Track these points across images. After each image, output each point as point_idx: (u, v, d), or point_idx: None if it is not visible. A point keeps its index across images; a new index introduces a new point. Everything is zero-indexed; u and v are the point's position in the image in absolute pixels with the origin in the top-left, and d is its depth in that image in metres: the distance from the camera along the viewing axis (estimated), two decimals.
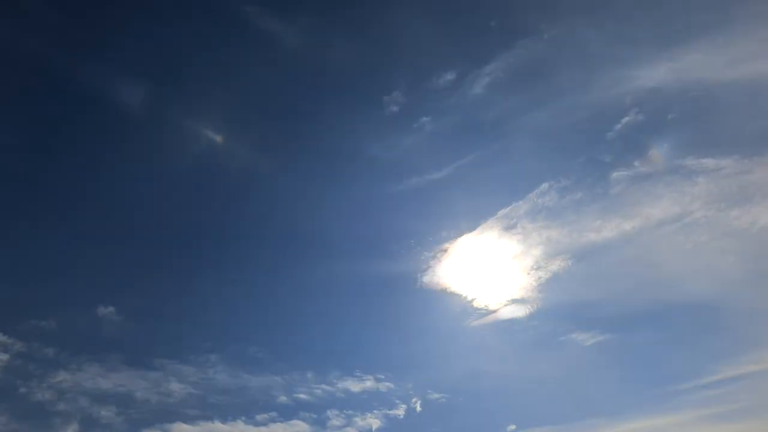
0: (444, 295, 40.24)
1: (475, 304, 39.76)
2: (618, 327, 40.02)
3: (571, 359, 39.68)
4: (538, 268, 39.81)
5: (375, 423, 35.39)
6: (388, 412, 36.28)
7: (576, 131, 40.61)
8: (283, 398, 35.60)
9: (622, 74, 39.10)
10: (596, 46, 39.64)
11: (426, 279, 39.91)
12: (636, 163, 39.34)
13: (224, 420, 33.78)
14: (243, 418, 34.15)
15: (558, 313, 40.50)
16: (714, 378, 36.98)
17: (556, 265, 39.75)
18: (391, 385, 37.53)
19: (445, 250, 39.81)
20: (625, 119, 38.94)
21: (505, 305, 39.76)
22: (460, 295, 40.00)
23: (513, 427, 36.11)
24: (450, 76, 39.80)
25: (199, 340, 37.15)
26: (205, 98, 38.74)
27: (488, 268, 40.11)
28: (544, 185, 39.70)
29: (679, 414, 36.10)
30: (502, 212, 39.81)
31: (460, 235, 40.08)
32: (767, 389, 35.27)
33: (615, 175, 39.38)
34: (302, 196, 41.35)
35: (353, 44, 40.17)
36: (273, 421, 34.47)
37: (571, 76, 40.45)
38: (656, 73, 38.53)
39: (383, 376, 37.71)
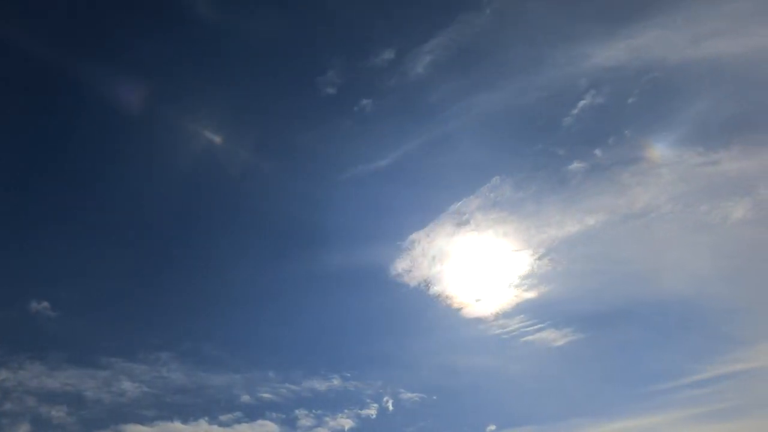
0: (409, 291, 38.84)
1: (443, 301, 38.54)
2: (593, 325, 38.56)
3: (545, 358, 38.41)
4: (502, 265, 38.47)
5: (347, 423, 34.75)
6: (359, 411, 35.37)
7: (530, 116, 38.03)
8: (246, 398, 34.63)
9: (576, 52, 36.25)
10: (546, 21, 36.88)
11: (389, 274, 38.67)
12: (596, 152, 37.16)
13: (185, 420, 32.79)
14: (206, 418, 33.22)
15: (529, 310, 38.65)
16: (697, 377, 35.97)
17: (520, 261, 38.37)
18: (360, 384, 36.41)
19: (404, 244, 38.37)
20: (582, 103, 36.44)
21: (475, 302, 38.53)
22: (426, 292, 38.76)
23: (492, 427, 35.28)
24: (388, 54, 37.04)
25: (146, 337, 35.45)
26: None
27: (452, 264, 38.86)
28: (498, 177, 37.69)
29: (663, 414, 35.23)
30: (454, 206, 38.01)
31: (416, 228, 38.44)
32: (751, 388, 34.48)
33: (574, 165, 37.26)
34: (251, 188, 39.24)
35: (280, 19, 37.11)
36: (238, 421, 33.61)
37: (519, 53, 37.55)
38: (613, 51, 35.77)
39: (350, 375, 36.61)
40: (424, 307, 39.20)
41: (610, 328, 38.79)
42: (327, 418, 34.58)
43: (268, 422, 33.77)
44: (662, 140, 36.22)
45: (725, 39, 33.57)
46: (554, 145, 37.85)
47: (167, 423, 32.27)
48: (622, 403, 36.57)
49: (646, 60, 35.38)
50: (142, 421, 32.07)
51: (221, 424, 33.15)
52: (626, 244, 38.13)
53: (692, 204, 36.53)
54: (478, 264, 38.44)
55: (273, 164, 39.07)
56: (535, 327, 38.05)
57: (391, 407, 35.64)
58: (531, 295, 38.20)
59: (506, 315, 38.05)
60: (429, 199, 39.19)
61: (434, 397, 36.68)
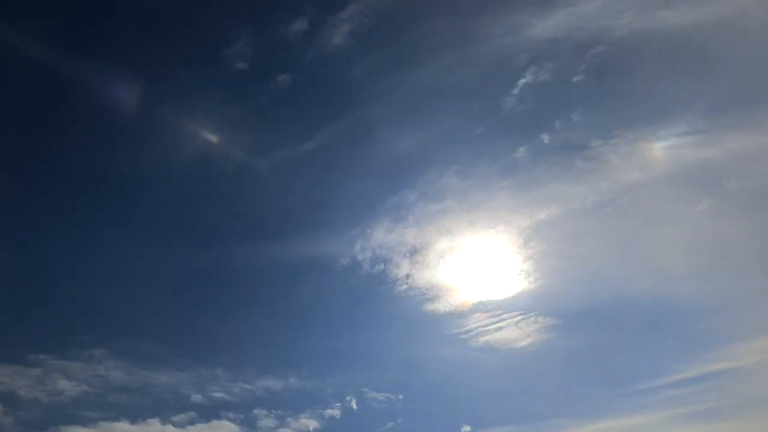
0: (362, 285, 37.15)
1: (402, 296, 36.80)
2: (563, 325, 36.59)
3: (512, 357, 36.56)
4: (459, 260, 36.31)
5: (311, 424, 33.82)
6: (322, 412, 34.32)
7: (465, 95, 34.74)
8: (197, 397, 33.52)
9: (511, 21, 32.83)
10: None
11: (336, 268, 36.69)
12: (543, 137, 34.14)
13: (133, 421, 31.76)
14: (157, 418, 32.22)
15: (495, 306, 36.59)
16: (677, 377, 34.49)
17: (476, 256, 36.17)
18: (320, 383, 35.31)
19: (351, 235, 36.34)
20: (522, 81, 33.24)
21: (439, 297, 36.65)
22: (382, 286, 36.92)
23: (467, 428, 34.11)
24: (300, 24, 33.50)
25: (76, 333, 33.54)
26: None
27: (407, 258, 36.47)
28: (438, 165, 35.07)
29: (645, 414, 33.99)
30: (395, 196, 35.92)
31: (361, 219, 36.36)
32: (733, 389, 33.12)
33: (521, 152, 34.50)
34: (169, 177, 35.87)
35: None
36: (193, 421, 32.58)
37: (448, 22, 33.91)
38: (552, 20, 32.34)
39: (307, 373, 35.45)
40: (381, 302, 37.41)
41: (581, 328, 37.10)
42: (289, 419, 33.75)
43: (226, 422, 32.94)
44: (615, 124, 33.39)
45: (680, 8, 30.61)
46: (496, 129, 34.86)
47: (113, 423, 31.40)
48: (603, 403, 35.31)
49: (591, 31, 32.03)
50: (85, 422, 31.09)
51: (176, 425, 32.33)
52: (585, 237, 35.90)
53: (654, 194, 34.13)
54: (438, 258, 36.26)
55: (184, 150, 34.78)
56: (495, 326, 36.18)
57: (355, 407, 34.61)
58: (493, 290, 36.36)
59: (474, 311, 36.32)
60: (367, 189, 36.58)
61: (400, 396, 35.28)
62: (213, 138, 33.66)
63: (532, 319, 35.70)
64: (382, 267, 35.61)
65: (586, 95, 33.35)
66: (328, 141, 35.17)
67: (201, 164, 34.85)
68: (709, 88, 32.56)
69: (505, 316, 35.80)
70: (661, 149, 32.81)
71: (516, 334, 35.80)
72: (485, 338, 35.97)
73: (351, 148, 35.75)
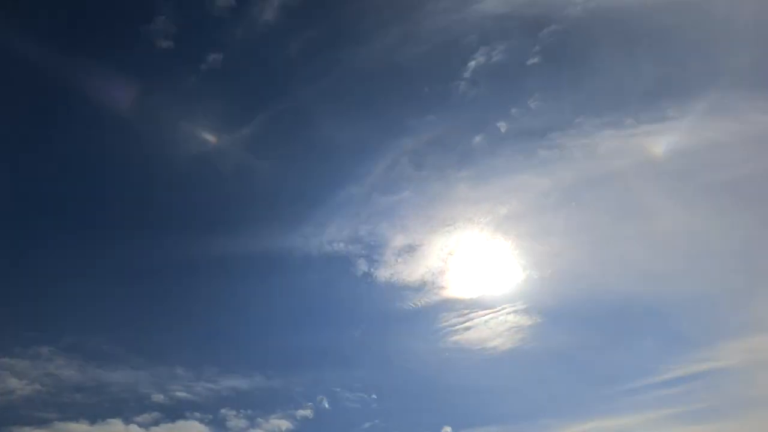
0: (330, 282, 35.97)
1: (370, 292, 35.68)
2: (541, 324, 35.04)
3: (494, 357, 35.17)
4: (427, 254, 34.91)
5: (283, 424, 32.80)
6: (294, 412, 33.20)
7: (413, 77, 32.90)
8: (159, 397, 32.42)
9: None
10: None
11: (297, 264, 35.42)
12: (500, 125, 32.63)
13: (93, 421, 30.65)
14: (118, 418, 31.09)
15: (463, 305, 35.24)
16: (662, 378, 33.34)
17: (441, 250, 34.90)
18: (287, 382, 34.33)
19: (308, 230, 34.96)
20: (473, 63, 31.61)
21: (406, 294, 35.38)
22: (348, 283, 35.87)
23: (448, 429, 32.92)
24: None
25: (19, 330, 32.02)
26: None
27: (366, 254, 35.01)
28: (390, 153, 33.43)
29: (634, 415, 32.83)
30: (343, 191, 34.56)
31: (319, 211, 35.12)
32: (722, 389, 32.08)
33: (478, 140, 33.02)
34: (113, 166, 33.95)
35: None
36: (157, 422, 31.50)
37: None
38: None
39: (273, 372, 34.29)
40: (346, 300, 36.01)
41: (555, 326, 35.19)
42: (259, 419, 32.75)
43: (193, 423, 31.93)
44: (576, 110, 31.78)
45: None
46: (449, 115, 33.17)
47: (71, 424, 30.70)
48: (589, 403, 34.01)
49: (544, 8, 30.61)
50: (40, 422, 30.35)
51: (140, 425, 31.25)
52: (555, 233, 34.29)
53: (625, 186, 32.57)
54: (399, 255, 34.68)
55: (110, 140, 32.89)
56: (465, 324, 34.67)
57: (327, 407, 33.54)
58: (462, 288, 34.90)
59: (446, 308, 34.86)
60: (315, 180, 34.85)
61: (374, 396, 34.07)
62: (138, 124, 32.08)
63: (508, 317, 34.31)
64: (345, 263, 34.54)
65: (543, 79, 31.80)
66: (265, 128, 33.19)
67: (134, 154, 33.28)
68: (678, 72, 31.21)
69: (476, 314, 34.44)
70: (629, 137, 31.46)
71: (488, 333, 34.41)
72: (460, 336, 34.72)
73: (290, 136, 34.07)
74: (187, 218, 34.82)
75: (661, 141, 31.25)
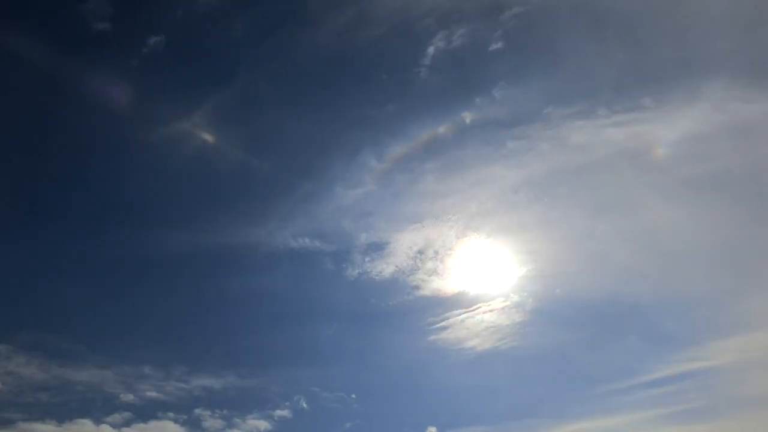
0: (295, 277, 34.96)
1: (346, 289, 34.98)
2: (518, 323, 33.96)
3: (474, 358, 34.20)
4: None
5: (262, 425, 32.07)
6: (272, 412, 32.47)
7: (370, 63, 31.53)
8: (128, 397, 31.66)
9: None
10: None
11: (262, 260, 34.66)
12: (464, 115, 31.33)
13: (60, 421, 29.90)
14: (87, 419, 30.36)
15: (437, 303, 34.30)
16: (648, 377, 32.44)
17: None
18: (263, 382, 33.55)
19: (273, 226, 34.16)
20: (432, 49, 30.25)
21: (379, 289, 34.78)
22: (313, 278, 35.05)
23: (433, 429, 32.13)
24: None
25: None
26: None
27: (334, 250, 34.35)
28: (350, 143, 32.29)
29: (623, 415, 32.01)
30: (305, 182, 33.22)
31: (288, 203, 34.19)
32: (713, 388, 31.23)
33: (442, 130, 31.71)
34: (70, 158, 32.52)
35: None
36: (129, 422, 30.77)
37: None
38: None
39: (246, 371, 33.51)
40: (317, 296, 35.09)
41: (533, 326, 33.86)
42: (236, 419, 32.08)
43: (167, 423, 31.69)
44: (544, 99, 30.46)
45: None
46: (410, 105, 31.88)
47: (37, 424, 30.01)
48: (578, 403, 33.13)
49: None
50: (3, 423, 29.65)
51: (113, 426, 30.63)
52: (527, 226, 33.16)
53: (601, 180, 31.63)
54: (373, 250, 33.90)
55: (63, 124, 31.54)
56: (439, 324, 33.70)
57: (306, 407, 32.73)
58: (441, 286, 33.77)
59: (424, 306, 34.01)
60: (274, 171, 33.42)
61: (353, 396, 33.19)
62: (76, 112, 30.63)
63: (485, 316, 33.18)
64: (312, 259, 33.76)
65: (507, 67, 30.40)
66: (212, 118, 31.19)
67: (77, 142, 31.76)
68: (653, 58, 30.00)
69: (451, 313, 33.44)
70: (602, 128, 30.15)
71: (465, 332, 33.32)
72: (437, 336, 33.83)
73: (241, 127, 32.47)
74: (149, 213, 33.76)
75: (637, 132, 30.10)
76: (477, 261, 33.24)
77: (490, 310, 33.14)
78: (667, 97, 29.51)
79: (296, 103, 32.15)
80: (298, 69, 31.38)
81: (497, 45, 30.02)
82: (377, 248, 33.38)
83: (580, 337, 34.48)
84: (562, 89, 30.54)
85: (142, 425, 30.93)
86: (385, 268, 33.19)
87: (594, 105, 29.89)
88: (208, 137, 31.08)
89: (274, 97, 31.96)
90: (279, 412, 32.45)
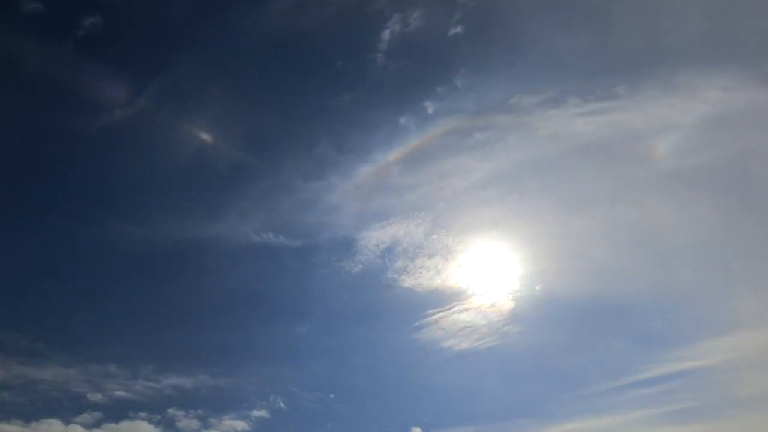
0: (261, 273, 33.93)
1: (306, 286, 34.17)
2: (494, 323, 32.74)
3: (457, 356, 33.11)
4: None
5: (239, 425, 31.39)
6: (248, 412, 31.70)
7: (322, 47, 29.64)
8: (96, 396, 30.86)
9: None
10: None
11: (225, 256, 33.37)
12: (426, 105, 29.96)
13: (27, 421, 29.33)
14: (56, 418, 29.67)
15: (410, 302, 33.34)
16: (637, 378, 31.53)
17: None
18: (237, 381, 32.54)
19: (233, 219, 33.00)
20: (387, 33, 28.70)
21: (350, 286, 33.89)
22: (280, 274, 34.23)
23: (417, 430, 31.32)
24: None
25: None
26: None
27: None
28: (312, 132, 30.97)
29: (612, 416, 31.11)
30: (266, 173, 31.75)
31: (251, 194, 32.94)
32: (703, 388, 30.46)
33: (403, 121, 30.38)
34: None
35: None
36: (99, 423, 30.03)
37: None
38: None
39: (219, 371, 32.34)
40: (285, 292, 33.89)
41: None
42: (212, 420, 31.32)
43: (140, 423, 30.62)
44: (510, 87, 28.89)
45: None
46: (368, 93, 30.45)
47: (2, 424, 29.25)
48: (565, 404, 32.09)
49: None
50: None
51: (83, 426, 29.94)
52: (498, 222, 31.89)
53: (575, 173, 30.50)
54: (340, 246, 33.01)
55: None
56: (415, 324, 32.63)
57: (283, 407, 31.90)
58: (405, 284, 32.65)
59: (404, 303, 33.01)
60: (229, 163, 31.60)
61: (331, 396, 32.36)
62: (13, 102, 28.68)
63: (459, 316, 32.08)
64: (277, 255, 32.70)
65: (468, 53, 28.84)
66: (156, 104, 29.54)
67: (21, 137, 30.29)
68: (627, 44, 28.36)
69: (426, 313, 32.36)
70: (574, 116, 28.68)
71: (441, 333, 32.23)
72: (415, 336, 32.72)
73: (190, 114, 30.52)
74: (102, 209, 32.29)
75: (612, 121, 28.69)
76: (448, 259, 32.29)
77: (466, 310, 32.14)
78: (643, 86, 28.05)
79: (247, 92, 30.58)
80: (245, 55, 29.99)
81: (457, 29, 28.57)
82: (345, 245, 32.53)
83: (564, 337, 33.33)
84: (529, 77, 29.30)
85: (113, 425, 30.33)
86: (353, 266, 32.34)
87: (564, 93, 28.56)
88: (158, 128, 30.07)
89: (224, 86, 30.35)
90: (256, 413, 31.70)
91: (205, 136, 30.04)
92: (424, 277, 32.09)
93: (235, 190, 32.42)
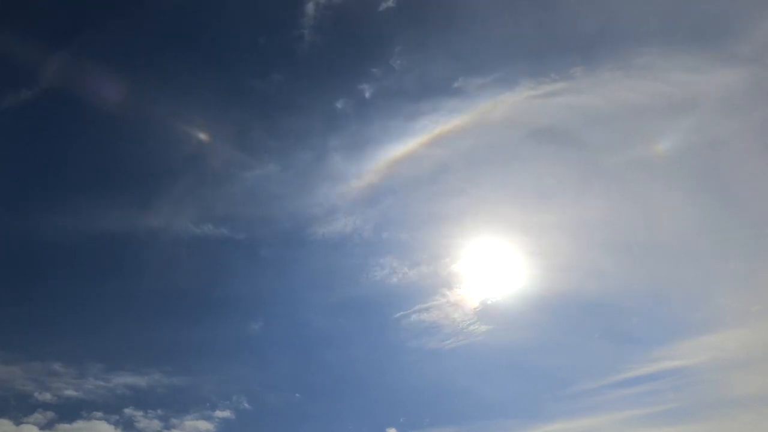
0: (202, 266, 32.36)
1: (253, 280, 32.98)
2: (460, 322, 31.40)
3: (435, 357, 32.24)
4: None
5: (203, 425, 30.19)
6: (211, 413, 30.33)
7: (242, 20, 27.69)
8: (45, 395, 29.45)
9: None
10: None
11: (163, 247, 31.64)
12: (362, 87, 28.18)
13: None
14: (5, 418, 28.40)
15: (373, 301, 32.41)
16: (620, 377, 30.43)
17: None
18: (195, 380, 31.01)
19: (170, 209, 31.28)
20: (310, 6, 26.85)
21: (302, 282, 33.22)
22: (226, 267, 32.78)
23: (393, 430, 30.16)
24: None
25: None
26: None
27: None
28: (241, 116, 29.22)
29: (598, 416, 29.84)
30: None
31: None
32: (689, 389, 29.30)
33: (341, 104, 28.66)
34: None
35: None
36: (52, 422, 28.92)
37: None
38: None
39: (173, 369, 30.77)
40: (234, 287, 32.24)
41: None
42: (174, 420, 30.05)
43: (97, 423, 29.71)
44: (454, 66, 27.11)
45: None
46: (297, 73, 28.22)
47: None
48: (545, 404, 31.03)
49: None
50: None
51: (36, 425, 28.75)
52: (456, 215, 30.41)
53: (531, 159, 28.20)
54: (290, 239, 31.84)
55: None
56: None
57: (248, 407, 30.50)
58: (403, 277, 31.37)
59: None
60: (159, 151, 29.99)
61: (297, 395, 31.06)
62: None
63: (421, 315, 30.87)
64: (219, 246, 30.97)
65: (403, 30, 26.89)
66: (57, 86, 27.53)
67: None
68: (582, 21, 26.49)
69: (391, 311, 31.58)
70: (528, 99, 26.83)
71: (404, 335, 31.31)
72: (379, 335, 32.10)
73: (113, 100, 27.96)
74: (29, 198, 30.86)
75: (568, 104, 26.87)
76: (404, 257, 30.98)
77: (427, 309, 31.07)
78: (600, 66, 26.09)
79: (168, 72, 28.62)
80: (160, 36, 28.21)
81: (388, 2, 26.55)
82: (293, 238, 31.06)
83: (542, 336, 32.04)
84: (473, 57, 27.34)
85: (66, 425, 29.21)
86: (305, 260, 31.18)
87: (515, 74, 26.51)
88: (76, 115, 28.65)
89: (148, 68, 28.70)
90: (219, 413, 30.42)
91: (125, 124, 28.74)
92: (380, 275, 30.88)
93: (163, 180, 30.74)
